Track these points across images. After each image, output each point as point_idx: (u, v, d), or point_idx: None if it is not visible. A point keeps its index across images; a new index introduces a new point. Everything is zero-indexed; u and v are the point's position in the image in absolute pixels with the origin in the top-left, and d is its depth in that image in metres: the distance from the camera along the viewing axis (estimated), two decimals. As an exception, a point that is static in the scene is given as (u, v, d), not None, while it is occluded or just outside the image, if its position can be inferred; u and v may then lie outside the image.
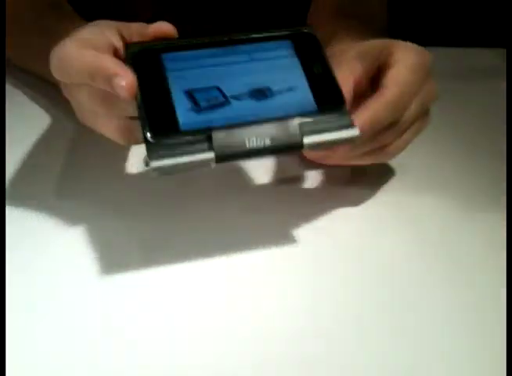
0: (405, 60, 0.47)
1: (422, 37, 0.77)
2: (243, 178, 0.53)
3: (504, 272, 0.45)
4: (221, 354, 0.39)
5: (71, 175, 0.53)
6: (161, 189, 0.50)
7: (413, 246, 0.48)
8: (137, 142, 0.43)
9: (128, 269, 0.44)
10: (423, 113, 0.49)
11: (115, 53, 0.43)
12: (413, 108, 0.47)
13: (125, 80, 0.39)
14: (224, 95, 0.41)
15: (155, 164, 0.38)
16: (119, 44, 0.43)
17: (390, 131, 0.46)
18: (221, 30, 0.82)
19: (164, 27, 0.43)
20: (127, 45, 0.42)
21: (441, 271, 0.46)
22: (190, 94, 0.41)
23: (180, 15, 0.81)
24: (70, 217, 0.48)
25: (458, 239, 0.49)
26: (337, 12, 0.68)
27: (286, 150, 0.41)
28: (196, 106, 0.40)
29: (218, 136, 0.40)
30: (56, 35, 0.54)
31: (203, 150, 0.39)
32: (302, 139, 0.41)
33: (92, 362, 0.38)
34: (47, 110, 0.62)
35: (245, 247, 0.46)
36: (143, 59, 0.41)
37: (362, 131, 0.43)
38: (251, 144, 0.40)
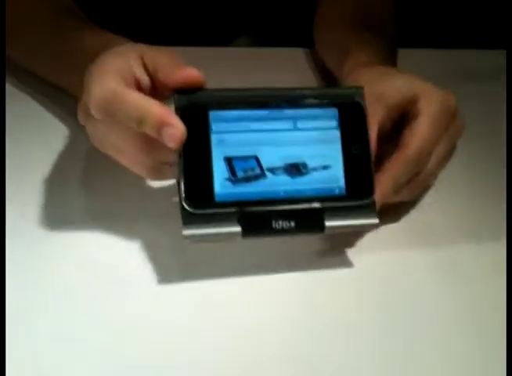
0: (429, 110, 0.47)
1: (422, 39, 0.76)
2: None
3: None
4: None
5: (71, 175, 0.53)
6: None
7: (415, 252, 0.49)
8: (164, 179, 0.46)
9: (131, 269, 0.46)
10: (450, 151, 0.50)
11: (138, 86, 0.43)
12: (438, 152, 0.48)
13: (176, 130, 0.40)
14: (261, 167, 0.43)
15: (187, 232, 0.41)
16: (144, 78, 0.43)
17: (413, 182, 0.48)
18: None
19: (192, 74, 0.42)
20: (175, 91, 0.42)
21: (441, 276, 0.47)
22: (230, 162, 0.42)
23: (188, 17, 0.79)
24: (70, 216, 0.49)
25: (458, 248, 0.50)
26: (347, 24, 0.67)
27: (308, 232, 0.44)
28: (233, 176, 0.42)
29: (247, 214, 0.42)
30: (67, 40, 0.54)
31: (232, 225, 0.42)
32: (324, 224, 0.43)
33: (92, 362, 0.40)
34: (47, 110, 0.62)
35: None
36: (191, 115, 0.42)
37: (383, 194, 0.45)
38: (277, 225, 0.43)
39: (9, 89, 0.63)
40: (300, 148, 0.44)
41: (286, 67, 0.74)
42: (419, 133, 0.47)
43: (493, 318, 0.43)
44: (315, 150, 0.44)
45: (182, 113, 0.42)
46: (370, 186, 0.44)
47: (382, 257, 0.47)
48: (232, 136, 0.43)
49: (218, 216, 0.42)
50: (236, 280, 0.45)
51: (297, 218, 0.43)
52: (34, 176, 0.52)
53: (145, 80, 0.43)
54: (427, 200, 0.53)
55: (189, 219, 0.41)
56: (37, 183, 0.52)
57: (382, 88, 0.48)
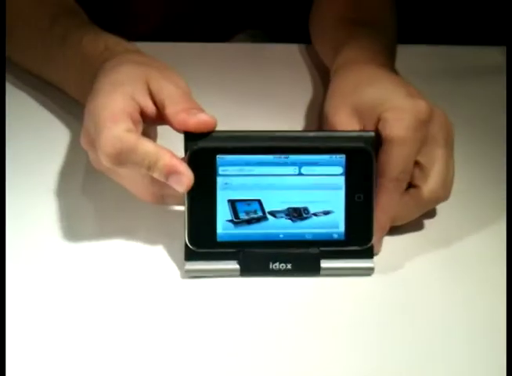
0: (399, 131, 0.46)
1: (422, 36, 0.75)
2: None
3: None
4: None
5: (71, 174, 0.55)
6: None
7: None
8: (167, 205, 0.48)
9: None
10: (442, 156, 0.48)
11: (144, 114, 0.45)
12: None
13: (184, 177, 0.43)
14: (263, 210, 0.45)
15: (188, 267, 0.45)
16: (150, 107, 0.45)
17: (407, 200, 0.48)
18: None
19: (204, 121, 0.44)
20: (186, 134, 0.44)
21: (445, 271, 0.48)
22: (233, 204, 0.45)
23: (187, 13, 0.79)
24: (69, 215, 0.51)
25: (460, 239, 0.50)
26: (340, 19, 0.67)
27: (304, 274, 0.46)
28: (236, 218, 0.45)
29: (246, 254, 0.45)
30: (69, 42, 0.56)
31: (231, 263, 0.45)
32: (320, 267, 0.45)
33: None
34: (47, 110, 0.63)
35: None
36: (200, 158, 0.44)
37: (380, 228, 0.47)
38: (274, 267, 0.45)
39: (10, 89, 0.64)
40: (303, 193, 0.45)
41: (285, 63, 0.75)
42: (393, 160, 0.46)
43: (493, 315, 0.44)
44: (318, 196, 0.45)
45: (191, 156, 0.44)
46: (369, 233, 0.45)
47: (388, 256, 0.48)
48: (238, 180, 0.45)
49: (219, 255, 0.45)
50: (241, 282, 0.46)
51: (294, 260, 0.45)
52: (34, 175, 0.55)
53: (151, 109, 0.46)
54: None
55: (191, 256, 0.45)
56: (38, 182, 0.54)
57: (357, 101, 0.50)
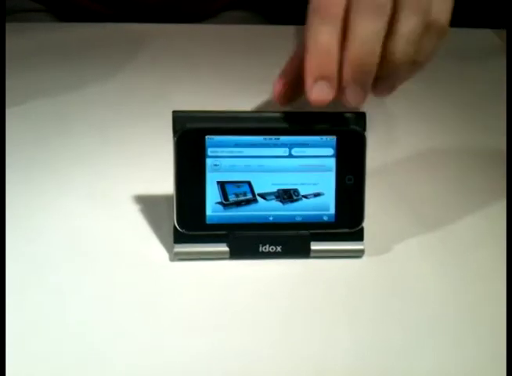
0: None
1: None
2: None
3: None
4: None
5: (71, 173, 0.55)
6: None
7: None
8: None
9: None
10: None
11: None
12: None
13: None
14: (253, 192, 0.45)
15: (177, 249, 0.45)
16: None
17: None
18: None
19: None
20: (174, 114, 0.44)
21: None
22: (222, 186, 0.44)
23: None
24: (69, 214, 0.50)
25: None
26: None
27: (294, 256, 0.46)
28: (225, 200, 0.44)
29: (236, 237, 0.45)
30: None
31: (220, 245, 0.45)
32: (310, 248, 0.45)
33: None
34: (47, 110, 0.64)
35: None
36: (189, 139, 0.44)
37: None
38: (263, 249, 0.45)
39: (10, 89, 0.64)
40: (293, 175, 0.45)
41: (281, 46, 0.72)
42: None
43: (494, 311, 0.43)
44: (309, 178, 0.45)
45: (180, 137, 0.43)
46: (360, 216, 0.45)
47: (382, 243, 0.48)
48: (227, 161, 0.44)
49: (208, 237, 0.45)
50: (230, 264, 0.46)
51: (284, 243, 0.45)
52: (34, 175, 0.55)
53: None
54: (423, 176, 0.55)
55: (180, 238, 0.45)
56: (39, 182, 0.54)
57: None
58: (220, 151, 0.44)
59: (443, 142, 0.61)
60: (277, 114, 0.45)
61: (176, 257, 0.45)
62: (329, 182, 0.45)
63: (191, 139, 0.44)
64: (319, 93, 0.39)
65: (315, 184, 0.45)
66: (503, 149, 0.57)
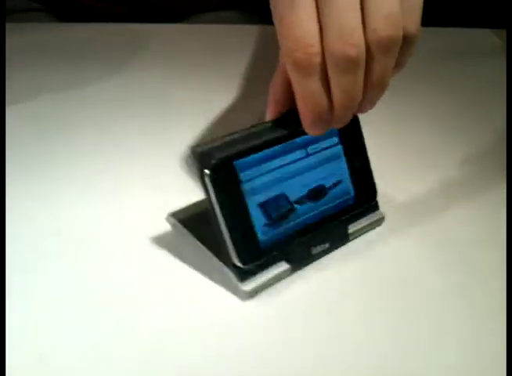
0: None
1: (423, 18, 0.76)
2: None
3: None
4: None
5: (72, 173, 0.55)
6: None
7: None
8: None
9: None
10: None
11: None
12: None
13: None
14: (289, 202, 0.44)
15: (247, 288, 0.42)
16: None
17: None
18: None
19: None
20: (192, 149, 0.41)
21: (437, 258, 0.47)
22: (264, 207, 0.43)
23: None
24: (69, 212, 0.50)
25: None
26: None
27: (338, 245, 0.47)
28: (269, 220, 0.43)
29: (291, 250, 0.44)
30: None
31: (280, 265, 0.44)
32: (348, 233, 0.47)
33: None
34: (47, 109, 0.64)
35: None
36: (220, 173, 0.41)
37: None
38: (315, 251, 0.45)
39: (10, 89, 0.65)
40: (315, 172, 0.45)
41: (271, 45, 0.73)
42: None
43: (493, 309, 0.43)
44: (326, 170, 0.46)
45: (213, 172, 0.40)
46: (374, 189, 0.48)
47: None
48: (259, 180, 0.43)
49: (267, 262, 0.43)
50: None
51: (329, 237, 0.46)
52: (34, 175, 0.54)
53: None
54: (427, 175, 0.56)
55: (245, 276, 0.42)
56: (38, 181, 0.53)
57: None
58: (250, 173, 0.42)
59: (444, 140, 0.62)
60: (282, 119, 0.44)
61: (249, 296, 0.42)
62: (343, 169, 0.47)
63: (222, 171, 0.41)
64: (316, 131, 0.42)
65: (332, 174, 0.46)
66: (503, 148, 0.59)
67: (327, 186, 0.46)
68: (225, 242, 0.41)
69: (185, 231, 0.45)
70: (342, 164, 0.47)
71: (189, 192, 0.48)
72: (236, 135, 0.43)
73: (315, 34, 0.37)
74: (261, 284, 0.43)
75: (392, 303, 0.43)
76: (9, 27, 0.75)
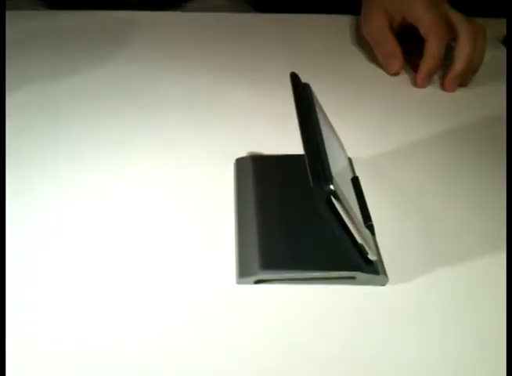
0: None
1: None
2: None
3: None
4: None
5: (71, 172, 0.54)
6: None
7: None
8: None
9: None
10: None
11: None
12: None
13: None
14: None
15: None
16: None
17: None
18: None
19: None
20: (315, 182, 0.40)
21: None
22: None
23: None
24: (69, 212, 0.50)
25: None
26: None
27: None
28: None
29: None
30: None
31: None
32: None
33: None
34: (36, 98, 0.64)
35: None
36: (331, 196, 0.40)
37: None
38: None
39: (10, 89, 0.64)
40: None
41: (271, 34, 0.77)
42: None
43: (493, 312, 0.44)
44: None
45: (331, 197, 0.40)
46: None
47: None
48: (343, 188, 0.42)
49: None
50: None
51: None
52: (34, 174, 0.54)
53: None
54: (426, 178, 0.56)
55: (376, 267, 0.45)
56: (39, 181, 0.53)
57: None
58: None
59: (444, 140, 0.62)
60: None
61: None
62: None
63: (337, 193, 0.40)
64: (425, 84, 0.71)
65: None
66: (503, 147, 0.59)
67: None
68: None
69: None
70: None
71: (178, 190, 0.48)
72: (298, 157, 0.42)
73: None
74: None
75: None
76: (-2, 15, 0.74)
